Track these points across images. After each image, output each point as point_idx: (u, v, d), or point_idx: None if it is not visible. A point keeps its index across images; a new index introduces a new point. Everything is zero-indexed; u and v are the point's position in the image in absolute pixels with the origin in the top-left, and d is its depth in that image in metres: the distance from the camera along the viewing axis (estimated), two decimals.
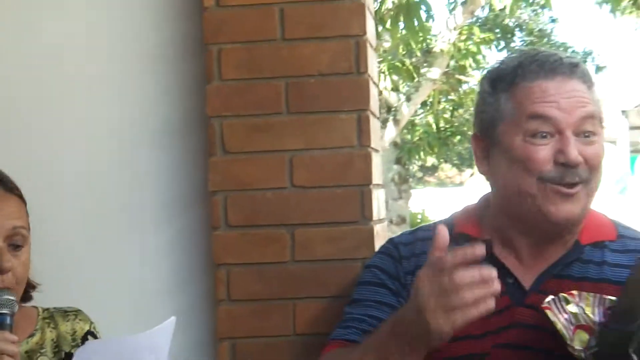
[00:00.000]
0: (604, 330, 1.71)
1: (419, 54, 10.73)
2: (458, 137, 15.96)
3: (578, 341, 1.72)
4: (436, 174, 26.53)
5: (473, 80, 12.72)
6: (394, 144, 12.75)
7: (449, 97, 14.53)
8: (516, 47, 16.08)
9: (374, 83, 2.39)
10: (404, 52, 10.31)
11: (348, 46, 2.26)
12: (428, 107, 14.19)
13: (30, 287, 1.99)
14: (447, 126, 15.40)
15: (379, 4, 9.25)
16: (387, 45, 10.24)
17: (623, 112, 8.34)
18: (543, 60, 1.87)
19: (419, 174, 24.42)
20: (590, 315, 1.74)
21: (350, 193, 2.26)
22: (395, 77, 10.11)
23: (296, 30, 2.28)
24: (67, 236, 2.39)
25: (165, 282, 2.42)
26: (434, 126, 14.52)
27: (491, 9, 13.40)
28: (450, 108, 15.09)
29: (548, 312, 1.74)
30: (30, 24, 2.49)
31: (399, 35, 9.27)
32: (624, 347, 1.60)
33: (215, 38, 2.30)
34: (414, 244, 2.00)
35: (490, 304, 1.58)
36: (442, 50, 10.59)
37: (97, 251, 2.43)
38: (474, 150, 1.96)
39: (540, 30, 18.37)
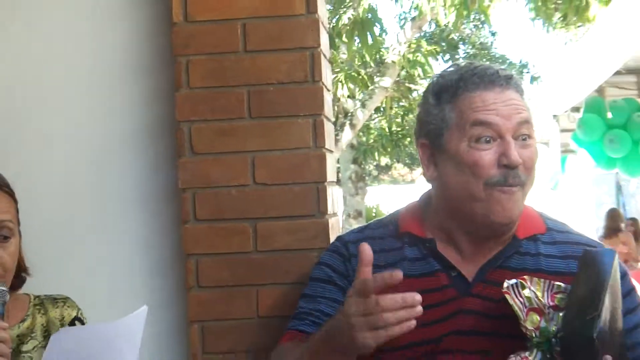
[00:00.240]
0: (566, 315, 1.72)
1: (372, 64, 10.77)
2: (409, 139, 15.96)
3: (530, 322, 1.73)
4: (389, 173, 26.55)
5: (421, 88, 12.76)
6: (351, 146, 12.79)
7: (400, 104, 14.54)
8: (460, 59, 16.15)
9: (328, 90, 2.39)
10: (359, 63, 10.32)
11: (304, 57, 2.26)
12: (381, 113, 14.21)
13: (23, 275, 1.98)
14: (399, 129, 15.44)
15: (336, 20, 9.27)
16: (344, 57, 10.26)
17: (554, 116, 8.40)
18: (482, 74, 1.87)
19: (374, 173, 24.44)
20: (542, 299, 1.75)
21: (307, 189, 2.26)
22: (351, 86, 10.12)
23: (257, 43, 2.27)
24: (51, 231, 2.37)
25: (140, 271, 2.40)
26: (387, 129, 14.58)
27: (437, 25, 13.49)
28: (402, 113, 15.11)
29: (507, 296, 1.75)
30: (14, 36, 2.47)
31: (354, 48, 9.29)
32: (587, 332, 1.62)
33: (183, 50, 2.29)
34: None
35: (412, 324, 1.61)
36: (393, 62, 10.64)
37: (78, 244, 2.41)
38: (420, 158, 1.95)
39: (481, 43, 18.45)
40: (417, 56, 10.87)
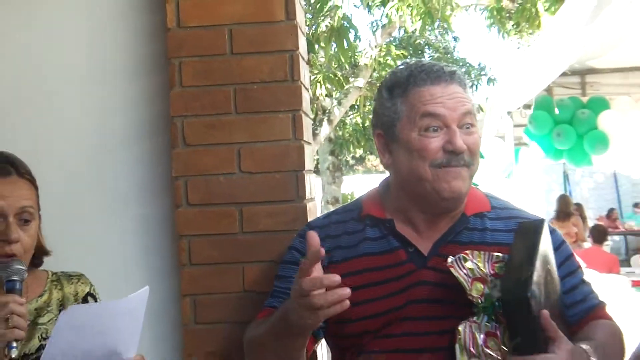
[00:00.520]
0: (504, 281, 1.73)
1: (347, 67, 10.74)
2: None
3: (475, 290, 1.75)
4: (363, 163, 26.54)
5: None
6: (329, 139, 12.78)
7: (373, 102, 14.53)
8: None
9: (306, 88, 2.38)
10: (335, 66, 10.28)
11: (284, 59, 2.25)
12: (356, 110, 14.18)
13: (43, 254, 1.96)
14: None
15: (315, 27, 9.24)
16: (322, 60, 10.22)
17: (509, 113, 8.38)
18: (429, 70, 1.88)
19: (350, 163, 24.43)
20: (483, 269, 1.77)
21: (287, 177, 2.26)
22: (329, 86, 10.07)
23: (242, 46, 2.26)
24: (60, 214, 2.34)
25: (138, 250, 2.39)
26: (361, 125, 14.54)
27: (405, 31, 13.48)
28: None
29: (452, 269, 1.77)
30: (18, 38, 2.46)
31: (331, 52, 9.26)
32: (522, 292, 1.63)
33: (176, 53, 2.28)
34: (329, 227, 1.99)
35: (345, 304, 1.59)
36: (366, 64, 10.61)
37: (84, 226, 2.40)
38: (377, 146, 1.97)
39: (444, 48, 18.42)
40: (387, 59, 10.87)
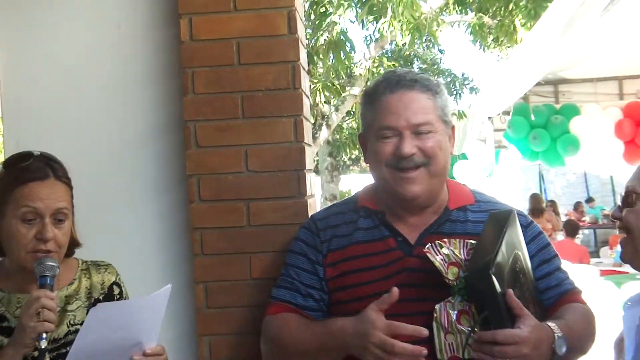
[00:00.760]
0: (471, 260, 1.75)
1: (344, 76, 10.72)
2: None
3: (451, 274, 1.76)
4: (359, 164, 26.54)
5: None
6: (327, 142, 12.77)
7: None
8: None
9: (306, 96, 2.38)
10: (333, 76, 10.26)
11: (286, 69, 2.25)
12: (352, 115, 14.15)
13: (75, 245, 1.93)
14: None
15: (314, 41, 9.24)
16: (321, 70, 10.22)
17: (489, 118, 8.39)
18: (391, 79, 1.88)
19: (347, 164, 24.42)
20: (459, 255, 1.78)
21: (290, 176, 2.26)
22: (327, 94, 10.05)
23: (248, 58, 2.26)
24: (86, 208, 2.33)
25: (155, 241, 2.39)
26: (356, 129, 14.52)
27: (396, 44, 13.44)
28: None
29: (428, 255, 1.77)
30: (53, 52, 2.46)
31: (329, 63, 9.26)
32: (485, 269, 1.64)
33: (189, 63, 2.28)
34: (329, 218, 2.00)
35: None
36: (360, 74, 10.59)
37: (106, 218, 2.40)
38: (360, 147, 1.99)
39: (431, 59, 18.41)
40: (380, 70, 10.85)
